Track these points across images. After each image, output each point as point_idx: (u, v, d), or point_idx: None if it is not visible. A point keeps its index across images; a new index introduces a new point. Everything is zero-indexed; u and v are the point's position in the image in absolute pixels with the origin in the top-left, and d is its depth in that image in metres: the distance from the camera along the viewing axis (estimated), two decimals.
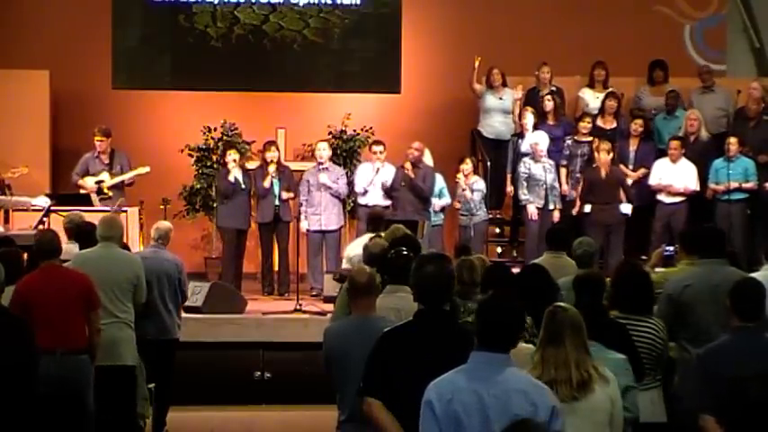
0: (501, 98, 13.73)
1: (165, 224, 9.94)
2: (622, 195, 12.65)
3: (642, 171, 13.07)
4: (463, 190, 12.67)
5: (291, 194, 13.00)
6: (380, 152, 12.93)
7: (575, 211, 12.70)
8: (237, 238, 12.97)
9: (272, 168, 12.80)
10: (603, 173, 12.55)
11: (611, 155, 12.58)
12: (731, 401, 3.83)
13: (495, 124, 13.74)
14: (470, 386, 4.29)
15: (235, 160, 12.92)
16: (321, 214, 12.82)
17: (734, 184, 12.60)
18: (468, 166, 12.78)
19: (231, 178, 12.84)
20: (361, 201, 13.00)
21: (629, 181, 12.97)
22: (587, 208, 12.62)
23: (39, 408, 7.04)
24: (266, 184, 12.84)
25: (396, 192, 12.69)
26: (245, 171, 13.13)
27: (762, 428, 3.83)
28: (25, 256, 8.93)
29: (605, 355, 5.43)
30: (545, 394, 4.35)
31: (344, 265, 9.75)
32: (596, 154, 12.65)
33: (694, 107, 13.64)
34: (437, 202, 12.69)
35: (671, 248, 9.16)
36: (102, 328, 7.66)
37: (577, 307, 5.30)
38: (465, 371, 4.35)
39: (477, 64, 13.66)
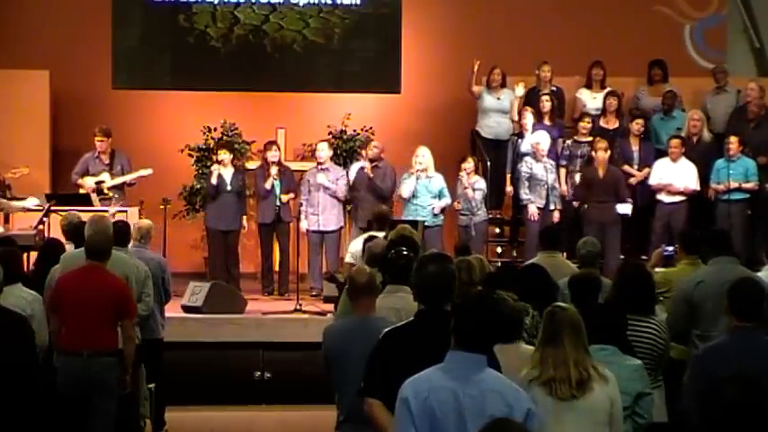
0: (499, 98, 13.71)
1: (145, 222, 9.87)
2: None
3: (647, 171, 13.07)
4: (465, 188, 12.64)
5: (292, 195, 12.99)
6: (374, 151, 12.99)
7: (575, 204, 12.70)
8: (224, 240, 12.93)
9: (274, 170, 12.78)
10: (601, 172, 12.54)
11: (609, 153, 12.57)
12: (707, 402, 3.84)
13: (492, 124, 13.72)
14: (446, 385, 4.31)
15: (222, 160, 12.87)
16: (320, 215, 12.82)
17: (734, 184, 12.60)
18: (470, 165, 12.76)
19: (213, 180, 12.78)
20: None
21: (633, 180, 12.98)
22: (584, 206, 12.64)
23: (64, 407, 7.06)
24: (267, 185, 12.83)
25: (356, 192, 12.72)
26: (239, 170, 13.10)
27: (736, 429, 3.83)
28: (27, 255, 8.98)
29: (620, 361, 5.43)
30: (520, 396, 4.36)
31: (348, 259, 9.77)
32: (594, 153, 12.65)
33: (708, 108, 13.68)
34: (437, 204, 12.64)
35: (671, 248, 9.18)
36: (134, 336, 7.63)
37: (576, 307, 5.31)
38: (441, 370, 4.37)
39: (476, 68, 13.63)
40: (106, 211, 11.07)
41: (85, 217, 9.27)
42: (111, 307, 7.39)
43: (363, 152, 13.09)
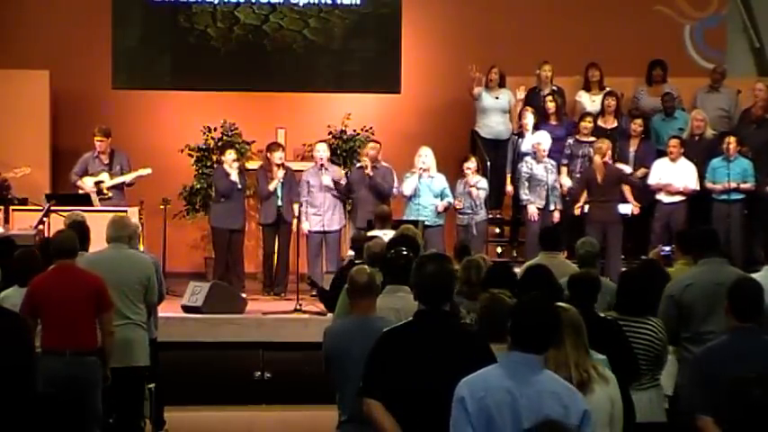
0: (497, 97, 13.70)
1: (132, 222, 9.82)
2: (628, 195, 12.64)
3: (642, 171, 13.07)
4: (470, 187, 12.62)
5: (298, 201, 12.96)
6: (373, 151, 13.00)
7: (577, 211, 12.67)
8: (229, 238, 12.95)
9: (280, 173, 12.78)
10: (599, 175, 12.47)
11: (606, 156, 12.51)
12: (732, 402, 3.81)
13: (492, 124, 13.72)
14: (503, 385, 4.31)
15: (234, 160, 12.91)
16: (323, 215, 12.82)
17: (732, 185, 12.59)
18: (473, 164, 12.77)
19: (234, 178, 12.81)
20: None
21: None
22: (586, 207, 12.60)
23: (45, 407, 7.06)
24: (271, 187, 12.83)
25: (354, 194, 12.71)
26: (242, 171, 13.12)
27: (763, 430, 3.81)
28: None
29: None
30: (577, 398, 4.38)
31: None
32: (594, 156, 12.60)
33: (698, 105, 13.66)
34: (440, 204, 12.63)
35: (668, 248, 9.18)
36: (114, 330, 7.66)
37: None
38: (499, 369, 4.37)
39: (473, 74, 13.58)
40: (106, 210, 11.11)
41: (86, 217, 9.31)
42: (90, 301, 7.42)
43: (362, 152, 13.05)
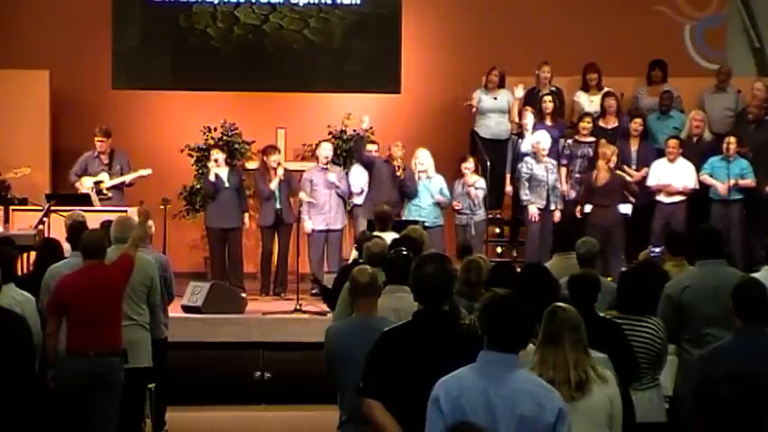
0: (495, 98, 13.69)
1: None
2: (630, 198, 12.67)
3: (645, 171, 13.05)
4: (469, 186, 12.64)
5: (304, 197, 12.93)
6: (374, 152, 12.98)
7: (578, 214, 12.65)
8: (223, 238, 12.97)
9: (280, 171, 12.80)
10: (603, 180, 12.45)
11: (610, 162, 12.49)
12: (701, 402, 3.80)
13: (491, 124, 13.71)
14: (478, 385, 4.29)
15: (216, 160, 12.92)
16: (327, 213, 12.83)
17: (731, 181, 12.55)
18: (471, 164, 12.78)
19: (211, 177, 12.86)
20: (358, 201, 13.05)
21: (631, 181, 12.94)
22: (587, 208, 12.60)
23: (68, 406, 7.09)
24: (273, 186, 12.84)
25: (377, 190, 12.68)
26: (235, 168, 13.13)
27: (733, 430, 3.81)
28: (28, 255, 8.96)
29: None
30: (553, 396, 4.34)
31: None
32: (598, 161, 12.58)
33: (705, 106, 13.66)
34: (439, 197, 12.65)
35: (657, 250, 9.17)
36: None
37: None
38: (473, 370, 4.35)
39: (466, 105, 13.61)
40: (107, 210, 11.11)
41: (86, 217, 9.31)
42: (119, 298, 7.45)
43: (392, 151, 12.88)
